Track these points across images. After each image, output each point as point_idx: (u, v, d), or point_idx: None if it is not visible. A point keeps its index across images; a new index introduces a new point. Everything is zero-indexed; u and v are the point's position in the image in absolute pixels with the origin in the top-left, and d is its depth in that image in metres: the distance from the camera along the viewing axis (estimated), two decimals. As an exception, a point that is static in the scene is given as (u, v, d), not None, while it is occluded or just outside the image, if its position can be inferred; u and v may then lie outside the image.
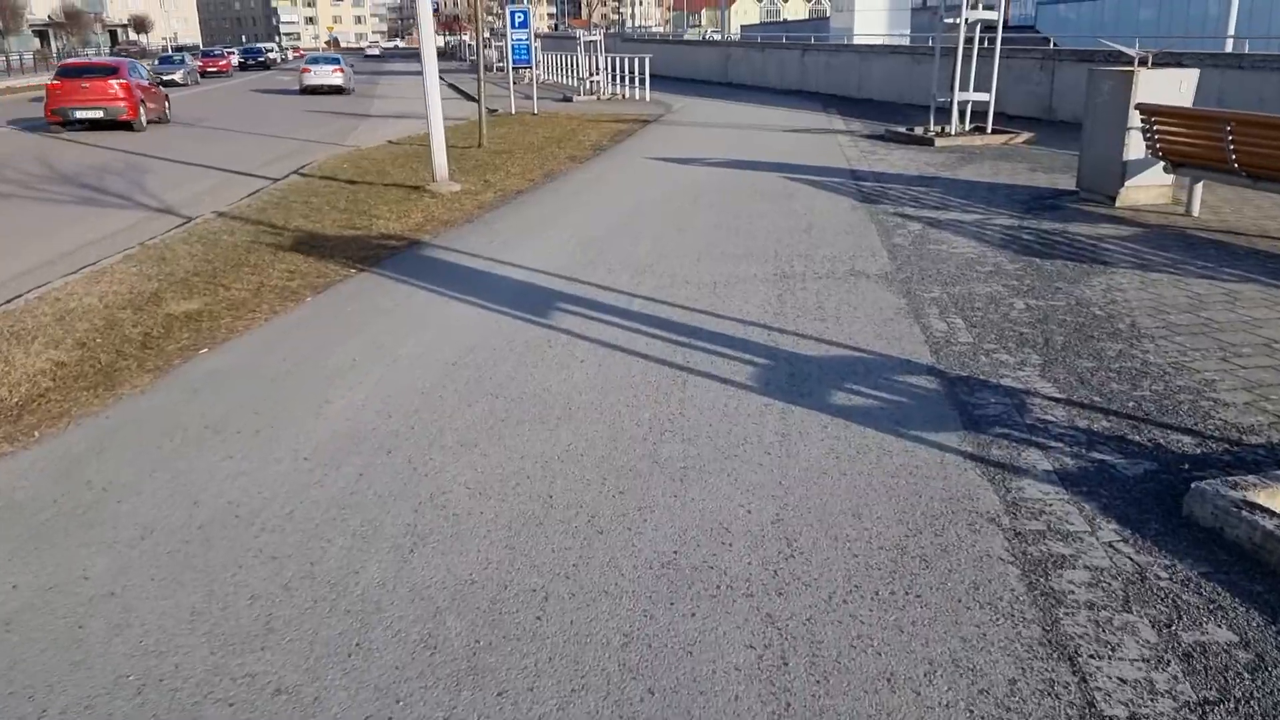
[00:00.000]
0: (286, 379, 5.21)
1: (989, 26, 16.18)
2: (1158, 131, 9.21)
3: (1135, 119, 9.49)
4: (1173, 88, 9.58)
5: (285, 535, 3.55)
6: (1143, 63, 9.93)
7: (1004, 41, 16.27)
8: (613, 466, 4.07)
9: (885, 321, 6.05)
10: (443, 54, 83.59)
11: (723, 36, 50.40)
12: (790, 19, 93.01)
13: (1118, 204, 9.80)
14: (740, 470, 4.01)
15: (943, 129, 16.22)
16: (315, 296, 6.98)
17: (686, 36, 71.39)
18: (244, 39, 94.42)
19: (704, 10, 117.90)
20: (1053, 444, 4.22)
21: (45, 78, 34.47)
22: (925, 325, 5.95)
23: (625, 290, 6.93)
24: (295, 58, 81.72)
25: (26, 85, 43.75)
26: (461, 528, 3.59)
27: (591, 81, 29.56)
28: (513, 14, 23.17)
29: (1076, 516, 3.59)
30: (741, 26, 71.12)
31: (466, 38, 78.85)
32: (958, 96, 15.64)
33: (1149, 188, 9.84)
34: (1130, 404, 4.64)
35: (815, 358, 5.40)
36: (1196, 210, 9.28)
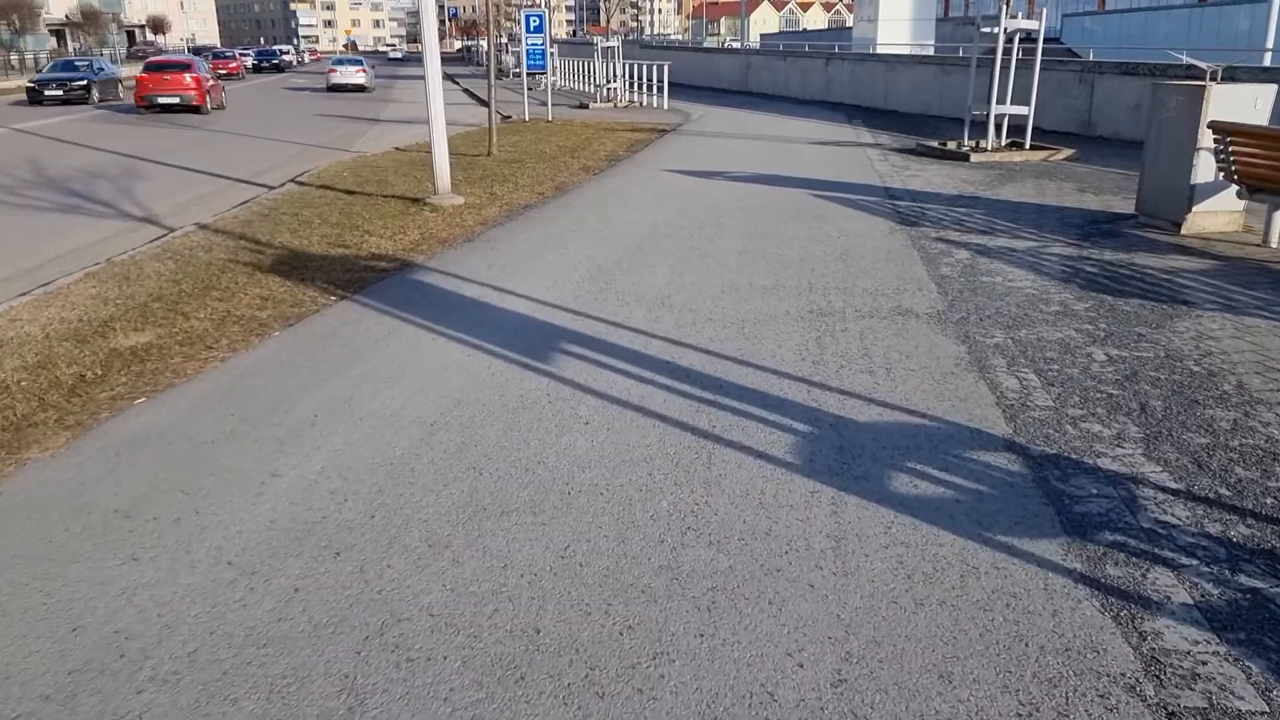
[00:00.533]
0: (229, 442, 4.30)
1: (1025, 38, 15.21)
2: (1234, 152, 8.25)
3: (1206, 138, 8.53)
4: (1247, 104, 8.62)
5: (178, 690, 2.64)
6: (1212, 77, 8.98)
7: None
8: (620, 584, 3.15)
9: (945, 376, 5.11)
10: (460, 58, 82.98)
11: (742, 45, 49.53)
12: (809, 28, 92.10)
13: (1183, 231, 8.83)
14: (786, 595, 3.08)
15: (977, 144, 15.26)
16: (284, 330, 6.07)
17: (705, 44, 70.56)
18: (262, 41, 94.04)
19: (723, 19, 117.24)
20: (1184, 560, 3.28)
21: (58, 76, 33.61)
22: (993, 381, 5.01)
23: (640, 328, 6.01)
24: (312, 60, 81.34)
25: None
26: (416, 683, 2.67)
27: (608, 89, 28.71)
28: (528, 18, 22.33)
29: (1243, 685, 2.64)
30: (761, 35, 70.27)
31: (483, 42, 78.06)
32: (995, 110, 14.68)
33: (1218, 214, 8.87)
34: (1269, 501, 3.70)
35: (867, 424, 4.47)
36: (1275, 241, 8.31)
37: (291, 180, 13.39)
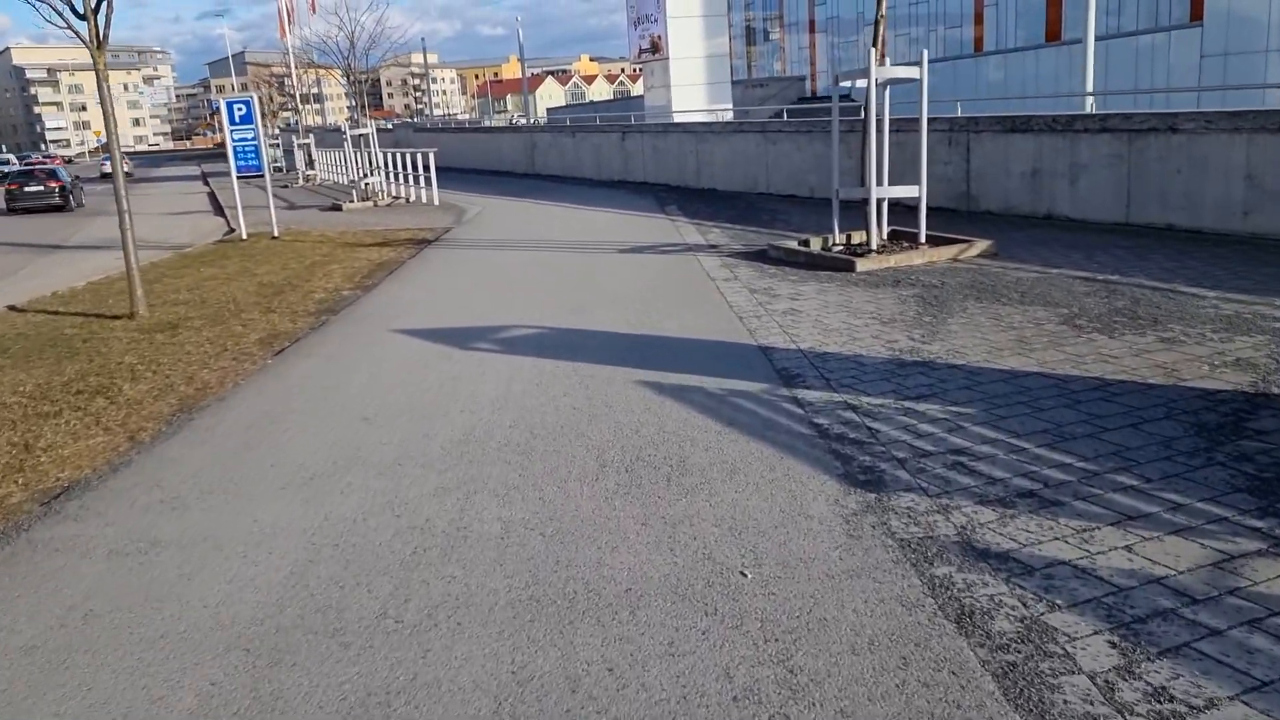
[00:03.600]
0: None
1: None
2: None
3: None
4: None
5: None
6: None
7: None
8: None
9: None
10: (224, 154, 74.32)
11: (528, 120, 44.98)
12: (596, 100, 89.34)
13: None
14: None
15: (850, 241, 10.63)
16: None
17: (492, 123, 65.79)
18: (3, 148, 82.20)
19: (509, 96, 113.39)
20: None
21: None
22: None
23: None
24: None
25: None
26: None
27: (365, 184, 22.99)
28: (230, 107, 16.44)
29: None
30: (548, 109, 66.34)
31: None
32: (876, 193, 10.05)
33: None
34: None
35: None
36: None
37: None
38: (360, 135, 23.08)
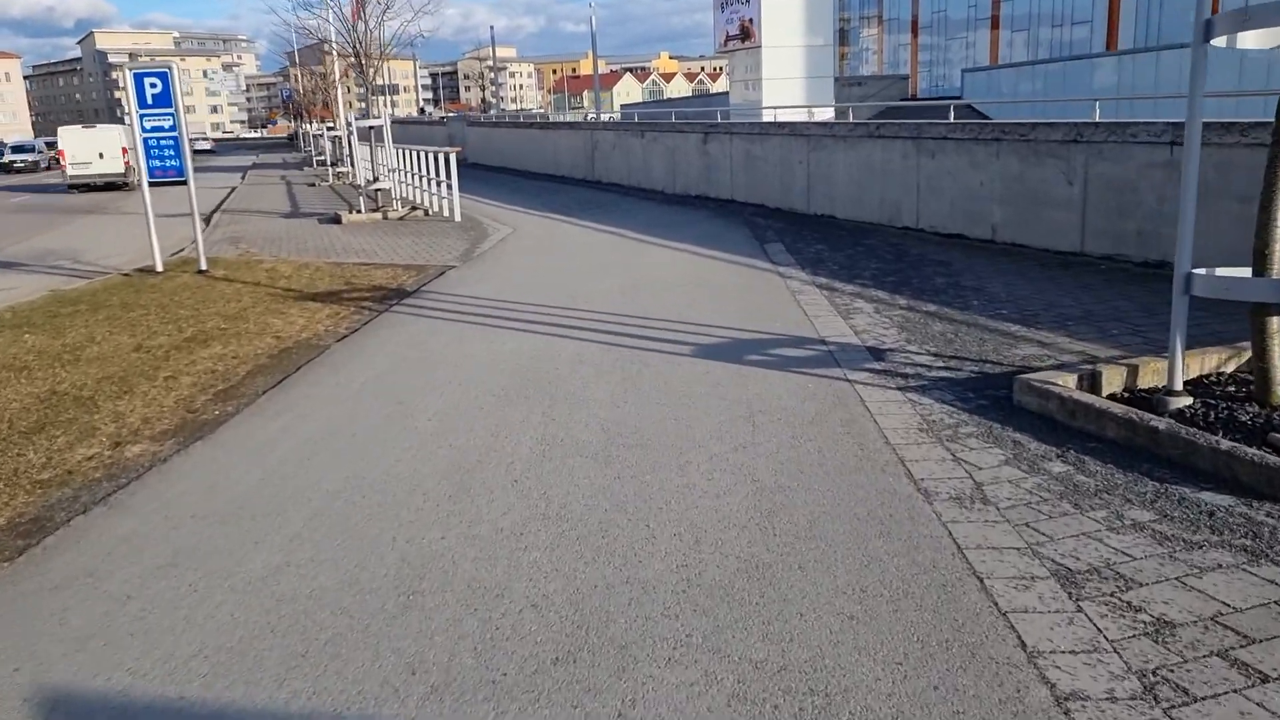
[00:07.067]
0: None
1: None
2: None
3: None
4: None
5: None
6: None
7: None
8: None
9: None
10: (287, 144, 70.58)
11: (594, 116, 39.35)
12: (674, 98, 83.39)
13: None
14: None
15: (1198, 371, 4.74)
16: None
17: (566, 118, 60.37)
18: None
19: (585, 92, 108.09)
20: None
21: None
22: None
23: None
24: (112, 154, 67.99)
25: None
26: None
27: (373, 190, 17.60)
28: (139, 81, 11.03)
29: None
30: (621, 106, 60.66)
31: (313, 127, 64.14)
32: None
33: None
34: None
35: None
36: None
37: None
38: (370, 128, 17.64)
